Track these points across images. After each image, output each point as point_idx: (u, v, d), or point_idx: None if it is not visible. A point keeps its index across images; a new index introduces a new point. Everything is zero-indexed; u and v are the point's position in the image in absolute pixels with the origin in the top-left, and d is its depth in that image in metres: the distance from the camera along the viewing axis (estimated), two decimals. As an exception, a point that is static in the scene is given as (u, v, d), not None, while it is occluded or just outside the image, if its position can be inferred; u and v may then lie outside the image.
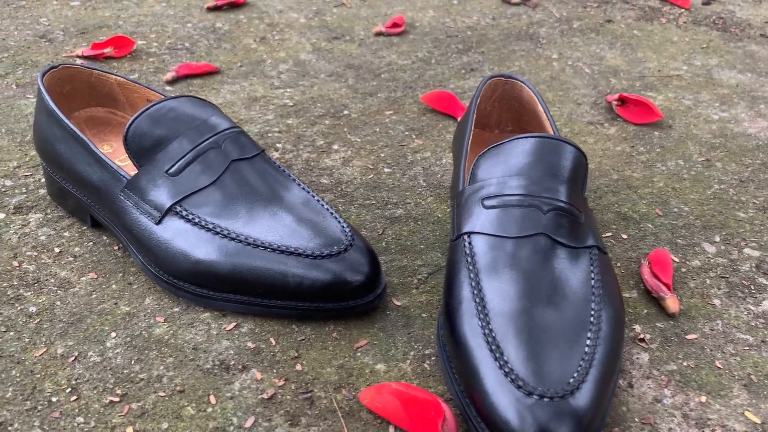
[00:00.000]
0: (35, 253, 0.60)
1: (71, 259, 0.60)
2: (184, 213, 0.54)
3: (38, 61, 0.95)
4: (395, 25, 1.10)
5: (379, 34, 1.09)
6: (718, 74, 1.01)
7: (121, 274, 0.58)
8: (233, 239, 0.53)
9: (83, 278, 0.58)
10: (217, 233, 0.53)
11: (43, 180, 0.70)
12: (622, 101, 0.87)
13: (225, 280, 0.53)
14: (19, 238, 0.62)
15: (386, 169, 0.74)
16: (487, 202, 0.51)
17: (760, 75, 1.01)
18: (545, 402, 0.41)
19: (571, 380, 0.43)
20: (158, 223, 0.55)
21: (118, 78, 0.67)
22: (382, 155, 0.77)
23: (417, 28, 1.13)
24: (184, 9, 1.16)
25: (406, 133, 0.82)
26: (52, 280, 0.57)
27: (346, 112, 0.86)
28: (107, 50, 0.96)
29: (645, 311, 0.57)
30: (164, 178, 0.56)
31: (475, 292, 0.48)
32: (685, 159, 0.79)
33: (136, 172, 0.56)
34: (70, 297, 0.56)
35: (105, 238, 0.62)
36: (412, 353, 0.52)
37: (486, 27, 1.15)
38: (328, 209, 0.56)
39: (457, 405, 0.46)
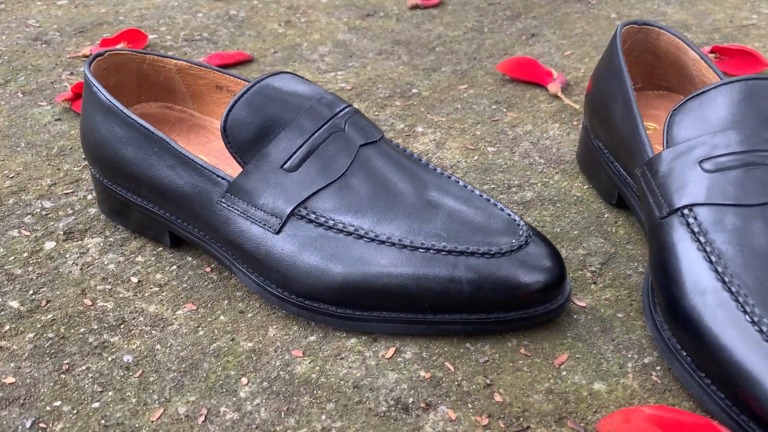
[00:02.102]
0: (108, 287, 0.48)
1: (156, 289, 0.47)
2: (311, 216, 0.43)
3: (40, 65, 0.82)
4: (431, -4, 1.00)
5: (414, 7, 0.98)
6: (792, 20, 0.93)
7: (226, 302, 0.46)
8: (382, 242, 0.42)
9: (179, 311, 0.45)
10: (360, 237, 0.42)
11: (89, 197, 0.57)
12: (717, 55, 0.78)
13: (378, 294, 0.42)
14: (81, 269, 0.49)
15: (489, 149, 0.64)
16: (707, 165, 0.41)
17: (835, 18, 0.93)
18: None
19: None
20: (278, 231, 0.43)
21: (179, 62, 0.54)
22: (478, 133, 0.66)
23: (453, -2, 1.02)
24: (188, -2, 1.03)
25: (494, 106, 0.71)
26: (141, 319, 0.45)
27: (414, 90, 0.75)
28: (120, 46, 0.83)
29: None
30: (280, 175, 0.44)
31: (727, 279, 0.37)
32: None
33: (241, 171, 0.45)
34: (170, 337, 0.43)
35: (190, 258, 0.50)
36: (629, 365, 0.41)
37: (526, -8, 1.05)
38: (482, 196, 0.45)
39: (722, 419, 0.36)
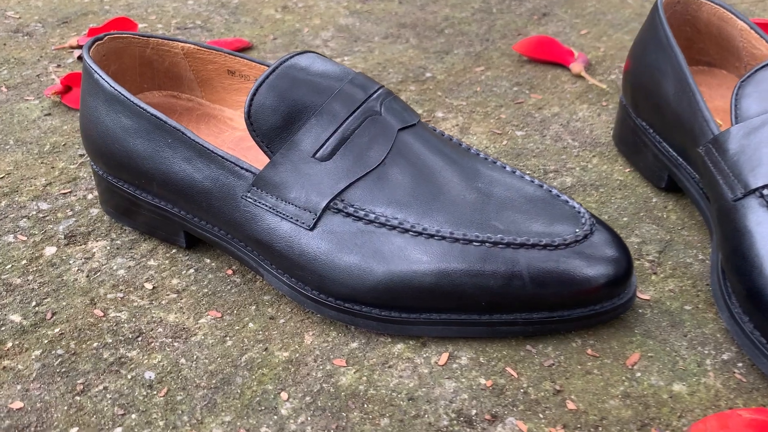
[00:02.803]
0: (120, 295, 0.43)
1: (174, 295, 0.43)
2: (350, 209, 0.38)
3: (23, 58, 0.76)
4: (432, -23, 0.95)
5: (416, -11, 0.94)
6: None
7: (253, 307, 0.42)
8: (431, 236, 0.37)
9: (202, 320, 0.41)
10: (406, 231, 0.38)
11: (90, 196, 0.52)
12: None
13: (427, 294, 0.37)
14: (88, 276, 0.44)
15: (518, 132, 0.60)
16: (787, 141, 0.37)
17: None
18: None
19: None
20: (312, 228, 0.39)
21: (186, 45, 0.49)
22: (503, 117, 0.62)
23: (455, -21, 0.98)
24: (176, -15, 0.98)
25: (515, 89, 0.67)
26: (161, 329, 0.40)
27: (428, 74, 0.71)
28: (109, 35, 0.78)
29: None
30: (312, 165, 0.39)
31: (822, 265, 0.34)
32: None
33: (268, 162, 0.40)
34: (195, 350, 0.39)
35: (208, 260, 0.45)
36: (707, 362, 0.37)
37: (530, -28, 1.01)
38: (534, 182, 0.41)
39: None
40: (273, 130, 0.40)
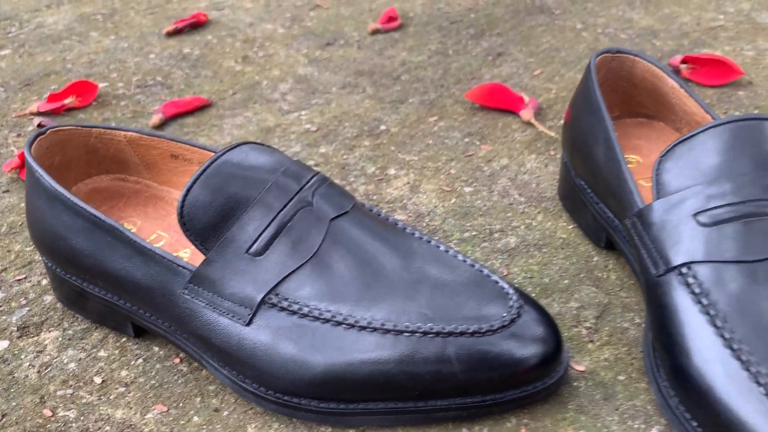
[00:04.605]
0: (69, 391, 0.44)
1: (122, 389, 0.44)
2: (284, 303, 0.39)
3: (-16, 128, 0.77)
4: (390, 19, 0.96)
5: (375, 32, 0.95)
6: (759, 18, 0.91)
7: (199, 399, 0.43)
8: (363, 328, 0.38)
9: (149, 415, 0.42)
10: (339, 324, 0.39)
11: (44, 282, 0.53)
12: (689, 63, 0.76)
13: (361, 386, 0.38)
14: (39, 372, 0.45)
15: (466, 189, 0.61)
16: (703, 218, 0.38)
17: (801, 12, 0.92)
18: None
19: None
20: (249, 323, 0.40)
21: (128, 133, 0.50)
22: (453, 172, 0.63)
23: (413, 19, 0.99)
24: (138, 38, 0.99)
25: (466, 139, 0.68)
26: (108, 428, 0.41)
27: (383, 127, 0.72)
28: (68, 100, 0.79)
29: None
30: (246, 261, 0.40)
31: (735, 347, 0.35)
32: (791, 117, 0.68)
33: (204, 259, 0.41)
34: (141, 448, 0.40)
35: (156, 349, 0.46)
36: (637, 437, 0.38)
37: (487, 5, 1.02)
38: (467, 261, 0.42)
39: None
40: (206, 228, 0.41)
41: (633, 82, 0.55)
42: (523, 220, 0.56)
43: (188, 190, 0.41)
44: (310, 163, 0.66)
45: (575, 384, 0.42)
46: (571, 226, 0.55)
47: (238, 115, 0.77)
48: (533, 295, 0.48)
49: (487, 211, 0.58)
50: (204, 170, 0.41)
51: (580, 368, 0.42)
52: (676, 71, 0.77)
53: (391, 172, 0.64)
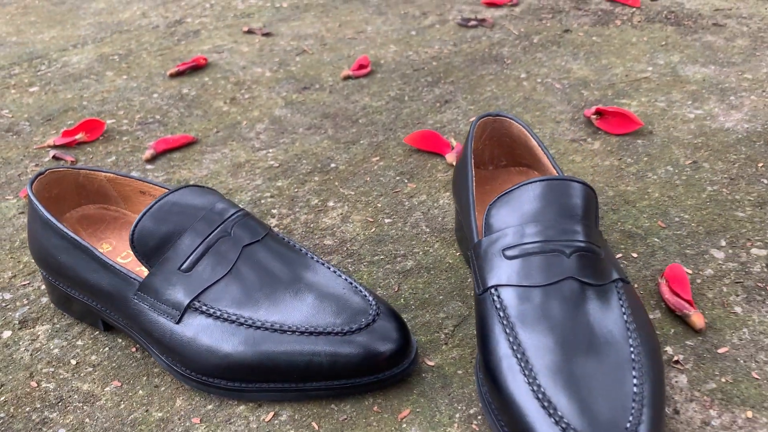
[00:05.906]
0: (52, 369, 0.58)
1: (90, 369, 0.58)
2: (203, 308, 0.53)
3: (9, 158, 0.93)
4: (361, 66, 1.11)
5: (347, 78, 1.09)
6: (683, 70, 1.03)
7: (145, 378, 0.57)
8: (258, 328, 0.52)
9: (107, 389, 0.56)
10: (241, 324, 0.53)
11: (42, 287, 0.68)
12: (600, 114, 0.89)
13: (256, 370, 0.52)
14: (31, 355, 0.60)
15: (386, 220, 0.74)
16: (508, 253, 0.51)
17: (722, 66, 1.04)
18: (609, 453, 0.41)
19: (628, 425, 0.43)
20: (178, 322, 0.54)
21: (107, 174, 0.65)
22: (379, 205, 0.77)
23: (383, 65, 1.13)
24: (146, 79, 1.15)
25: (397, 178, 0.82)
26: (76, 396, 0.56)
27: (333, 165, 0.86)
28: (78, 136, 0.95)
29: (672, 330, 0.57)
30: (178, 275, 0.55)
31: (515, 347, 0.47)
32: (673, 164, 0.80)
33: (148, 273, 0.55)
34: (98, 411, 0.54)
35: (120, 340, 0.61)
36: (457, 415, 0.51)
37: (449, 54, 1.16)
38: (347, 280, 0.56)
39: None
40: (150, 250, 0.55)
41: (513, 138, 0.68)
42: (422, 247, 0.69)
43: (138, 222, 0.55)
44: (267, 195, 0.81)
45: (423, 375, 0.55)
46: (458, 254, 0.68)
47: (217, 151, 0.91)
48: (413, 307, 0.62)
49: (397, 239, 0.71)
50: (151, 207, 0.56)
51: (431, 363, 0.56)
52: (589, 120, 0.90)
53: (330, 204, 0.78)
